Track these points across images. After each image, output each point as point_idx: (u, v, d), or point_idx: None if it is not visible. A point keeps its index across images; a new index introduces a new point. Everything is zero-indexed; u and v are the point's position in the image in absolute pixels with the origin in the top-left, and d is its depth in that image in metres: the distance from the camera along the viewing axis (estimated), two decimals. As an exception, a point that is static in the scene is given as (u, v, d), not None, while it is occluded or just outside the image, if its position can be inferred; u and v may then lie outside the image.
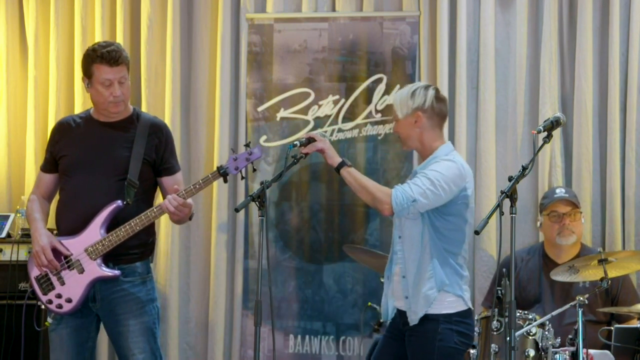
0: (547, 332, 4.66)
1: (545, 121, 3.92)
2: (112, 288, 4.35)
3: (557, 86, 5.77)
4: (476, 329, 4.69)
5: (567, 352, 4.65)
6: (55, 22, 6.23)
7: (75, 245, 4.33)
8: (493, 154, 5.76)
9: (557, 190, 5.42)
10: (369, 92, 5.87)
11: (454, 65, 5.81)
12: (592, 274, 4.83)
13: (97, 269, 4.31)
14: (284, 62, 5.96)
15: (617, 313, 5.15)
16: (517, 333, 4.52)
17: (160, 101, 6.07)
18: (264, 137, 5.95)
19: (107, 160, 4.37)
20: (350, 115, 5.89)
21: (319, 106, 5.90)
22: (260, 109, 5.98)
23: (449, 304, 4.08)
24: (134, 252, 4.38)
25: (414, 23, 5.85)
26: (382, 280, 5.27)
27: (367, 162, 5.85)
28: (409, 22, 5.87)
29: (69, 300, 4.33)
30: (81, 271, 4.31)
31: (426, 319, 4.06)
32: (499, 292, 4.38)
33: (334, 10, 5.99)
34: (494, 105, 5.78)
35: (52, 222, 4.55)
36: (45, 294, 4.36)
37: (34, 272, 4.40)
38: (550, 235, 5.37)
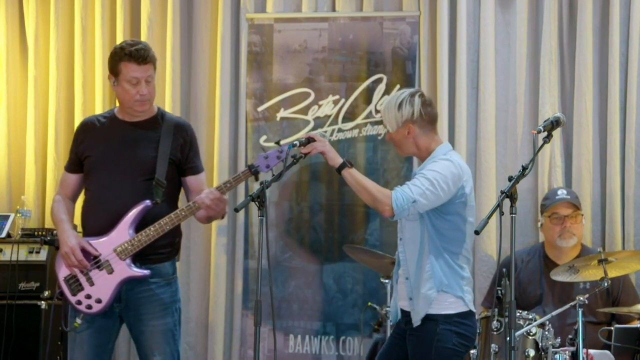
0: (547, 332, 4.67)
1: (545, 121, 3.91)
2: (138, 288, 4.34)
3: (557, 86, 5.77)
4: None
5: (567, 352, 4.65)
6: (55, 22, 6.23)
7: (103, 246, 4.31)
8: (493, 154, 5.76)
9: (559, 192, 5.41)
10: (369, 92, 5.87)
11: (454, 65, 5.81)
12: (592, 274, 4.83)
13: (127, 269, 4.30)
14: (284, 62, 5.96)
15: (617, 313, 5.15)
16: (517, 333, 4.53)
17: (160, 101, 6.05)
18: (264, 137, 5.96)
19: (132, 160, 4.36)
20: (350, 115, 5.89)
21: (319, 106, 5.90)
22: (260, 109, 5.98)
23: (449, 305, 4.08)
24: (161, 252, 4.37)
25: (414, 23, 5.85)
26: (382, 280, 5.29)
27: (367, 162, 5.85)
28: (409, 22, 5.87)
29: (98, 301, 4.30)
30: (110, 271, 4.30)
31: (426, 319, 4.07)
32: (499, 292, 4.39)
33: (334, 10, 5.99)
34: (494, 105, 5.78)
35: (76, 222, 4.54)
36: (74, 294, 4.33)
37: (62, 273, 4.36)
38: (551, 237, 5.36)
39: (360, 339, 5.80)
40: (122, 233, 4.30)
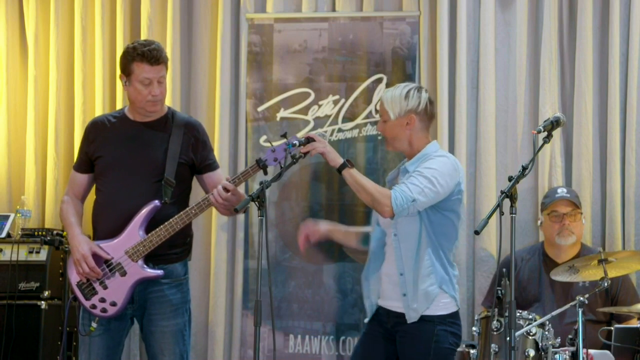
0: (547, 332, 4.66)
1: (545, 121, 3.92)
2: (149, 288, 4.34)
3: (557, 86, 5.77)
4: (476, 329, 4.71)
5: (567, 352, 4.64)
6: (55, 22, 6.23)
7: (115, 248, 4.30)
8: (493, 154, 5.76)
9: (559, 190, 5.42)
10: (369, 92, 5.87)
11: (454, 65, 5.81)
12: (592, 273, 4.83)
13: (140, 270, 4.29)
14: (284, 62, 5.96)
15: (617, 313, 5.15)
16: (517, 333, 4.52)
17: (160, 101, 6.07)
18: (264, 137, 5.95)
19: (144, 161, 4.35)
20: (350, 115, 5.89)
21: (319, 106, 5.90)
22: (260, 109, 5.98)
23: (444, 305, 4.12)
24: (173, 252, 4.37)
25: (414, 23, 5.85)
26: None
27: (367, 162, 5.85)
28: (409, 22, 5.87)
29: (113, 304, 4.30)
30: (123, 274, 4.29)
31: (422, 320, 4.08)
32: (499, 292, 4.38)
33: (334, 10, 5.99)
34: (494, 105, 5.78)
35: (87, 222, 4.55)
36: (88, 299, 4.32)
37: (74, 278, 4.35)
38: (550, 235, 5.37)
39: (360, 339, 5.80)
40: (133, 234, 4.29)
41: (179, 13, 6.09)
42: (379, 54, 5.87)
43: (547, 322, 4.69)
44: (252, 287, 5.89)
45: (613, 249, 5.52)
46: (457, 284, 4.21)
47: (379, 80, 5.87)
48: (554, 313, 4.70)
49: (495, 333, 4.60)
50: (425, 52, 5.86)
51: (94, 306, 4.32)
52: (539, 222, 5.53)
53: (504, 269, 4.39)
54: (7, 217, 5.89)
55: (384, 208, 4.03)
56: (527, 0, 5.81)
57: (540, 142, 3.82)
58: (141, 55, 4.30)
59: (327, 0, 6.00)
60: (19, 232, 5.77)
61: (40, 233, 5.73)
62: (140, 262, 4.28)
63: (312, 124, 5.91)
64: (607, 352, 4.80)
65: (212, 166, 4.48)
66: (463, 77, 5.77)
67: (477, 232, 3.75)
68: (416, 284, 4.09)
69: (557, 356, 4.63)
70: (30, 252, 5.66)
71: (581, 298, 4.57)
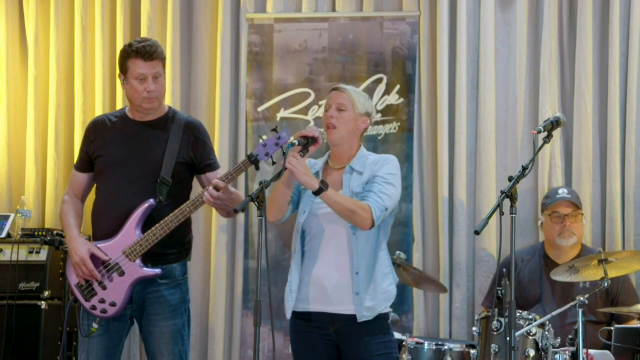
0: (547, 332, 4.66)
1: (545, 121, 3.92)
2: (148, 288, 4.34)
3: (557, 86, 5.77)
4: (476, 329, 4.71)
5: (567, 352, 4.65)
6: (55, 22, 6.23)
7: (112, 249, 4.31)
8: (493, 154, 5.76)
9: (560, 191, 5.42)
10: (369, 92, 5.85)
11: (454, 65, 5.81)
12: (592, 274, 4.83)
13: (138, 270, 4.30)
14: (284, 62, 5.96)
15: (617, 313, 5.15)
16: (517, 333, 4.52)
17: (160, 101, 6.07)
18: (263, 137, 5.94)
19: (143, 161, 4.35)
20: (350, 115, 5.88)
21: (319, 106, 5.89)
22: (260, 109, 5.98)
23: (388, 304, 4.18)
24: (170, 252, 4.37)
25: (414, 23, 5.85)
26: None
27: (367, 162, 5.84)
28: (409, 22, 5.86)
29: (113, 304, 4.30)
30: (121, 274, 4.29)
31: (378, 317, 4.09)
32: (499, 292, 4.39)
33: (334, 10, 5.99)
34: (494, 105, 5.78)
35: (87, 221, 4.55)
36: (87, 300, 4.33)
37: (73, 280, 4.36)
38: (550, 236, 5.37)
39: (360, 339, 5.80)
40: (130, 234, 4.29)
41: (179, 13, 6.09)
42: (379, 54, 5.87)
43: (547, 322, 4.69)
44: (252, 287, 5.89)
45: (613, 249, 5.52)
46: None
47: (379, 80, 5.86)
48: (554, 313, 4.70)
49: (495, 333, 4.60)
50: (425, 52, 5.86)
51: (93, 307, 4.32)
52: (539, 222, 5.53)
53: (504, 269, 4.41)
54: (7, 217, 5.89)
55: (365, 222, 4.02)
56: (527, 0, 5.81)
57: (540, 142, 3.83)
58: (135, 52, 4.31)
59: (327, 0, 6.00)
60: (19, 232, 5.77)
61: (40, 233, 5.72)
62: (138, 261, 4.29)
63: (312, 124, 5.89)
64: (607, 352, 4.80)
65: (212, 166, 4.48)
66: (463, 77, 5.77)
67: (477, 232, 3.75)
68: (374, 282, 4.09)
69: (557, 356, 4.64)
70: (30, 252, 5.65)
71: (581, 298, 4.57)
